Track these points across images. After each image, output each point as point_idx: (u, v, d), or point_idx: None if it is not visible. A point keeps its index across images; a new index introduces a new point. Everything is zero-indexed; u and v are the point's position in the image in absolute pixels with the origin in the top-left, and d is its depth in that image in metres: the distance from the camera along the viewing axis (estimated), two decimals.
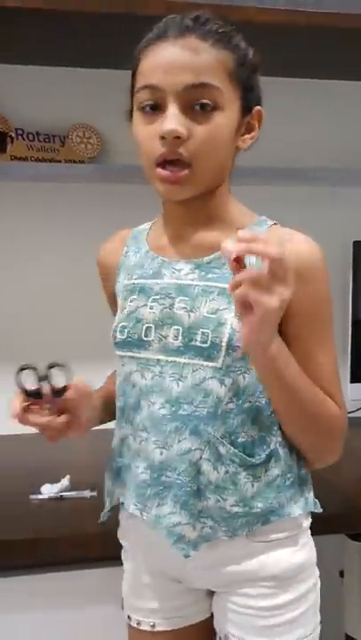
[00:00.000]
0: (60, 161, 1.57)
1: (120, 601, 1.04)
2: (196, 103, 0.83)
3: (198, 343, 0.87)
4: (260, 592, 0.91)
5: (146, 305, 0.92)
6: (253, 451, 0.89)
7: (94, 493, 1.26)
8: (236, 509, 0.88)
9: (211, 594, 0.99)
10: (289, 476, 0.91)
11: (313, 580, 0.95)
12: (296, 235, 0.91)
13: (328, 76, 1.69)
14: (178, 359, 0.89)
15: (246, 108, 0.89)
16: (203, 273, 0.91)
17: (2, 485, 1.33)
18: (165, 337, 0.90)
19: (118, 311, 0.96)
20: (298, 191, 1.73)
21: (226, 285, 0.86)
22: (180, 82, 0.82)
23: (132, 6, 1.20)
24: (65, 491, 1.27)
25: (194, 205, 0.91)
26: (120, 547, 1.03)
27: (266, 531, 0.90)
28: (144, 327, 0.91)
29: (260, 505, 0.89)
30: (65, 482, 1.29)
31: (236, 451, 0.88)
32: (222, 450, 0.87)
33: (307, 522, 0.96)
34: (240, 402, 0.88)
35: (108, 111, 1.63)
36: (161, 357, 0.90)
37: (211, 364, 0.87)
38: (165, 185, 0.86)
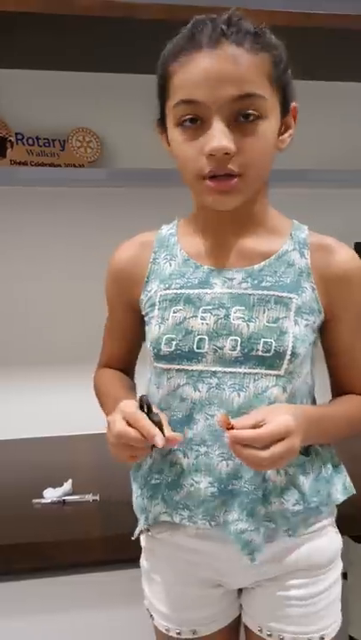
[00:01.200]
0: (60, 165, 1.57)
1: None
2: (241, 114, 0.80)
3: (260, 353, 0.86)
4: (300, 582, 0.94)
5: (196, 316, 0.89)
6: (302, 448, 0.89)
7: (96, 497, 1.25)
8: (297, 508, 0.90)
9: (240, 591, 1.00)
10: (329, 465, 0.96)
11: (340, 566, 0.98)
12: (336, 244, 0.93)
13: (325, 78, 1.69)
14: (237, 370, 0.88)
15: (285, 108, 0.87)
16: (256, 281, 0.90)
17: (5, 489, 1.33)
18: (221, 348, 0.88)
19: (155, 322, 0.92)
20: (299, 193, 1.73)
21: (283, 294, 0.89)
22: (223, 95, 0.79)
23: (132, 10, 1.20)
24: (67, 495, 1.27)
25: (237, 212, 0.89)
26: (122, 550, 1.02)
27: (306, 525, 0.94)
28: (196, 339, 0.88)
29: (315, 499, 0.92)
30: (67, 486, 1.28)
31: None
32: None
33: (335, 508, 1.00)
34: (296, 404, 0.91)
35: (108, 115, 1.64)
36: (218, 369, 0.88)
37: (273, 372, 0.87)
38: (215, 196, 0.84)
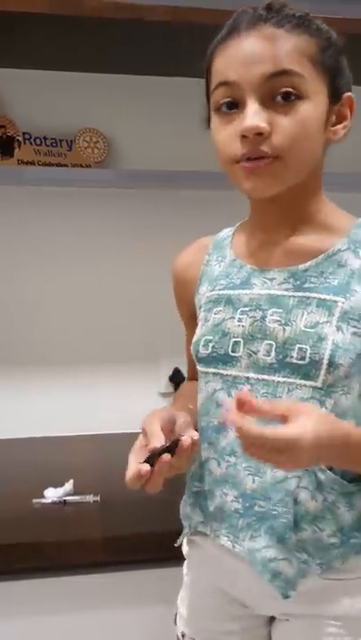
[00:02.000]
0: (67, 165, 1.57)
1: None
2: (278, 93, 0.75)
3: (295, 360, 0.79)
4: (330, 630, 0.84)
5: (233, 317, 0.84)
6: (350, 476, 0.81)
7: (97, 498, 1.25)
8: (333, 540, 0.81)
9: (271, 619, 0.93)
10: None
11: None
12: None
13: None
14: (271, 377, 0.81)
15: (335, 96, 0.80)
16: (298, 282, 0.82)
17: (5, 489, 1.33)
18: (256, 352, 0.82)
19: (200, 324, 0.89)
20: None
21: (326, 296, 0.80)
22: (257, 73, 0.74)
23: (139, 12, 1.20)
24: (68, 495, 1.27)
25: (286, 204, 0.83)
26: (122, 552, 1.02)
27: (344, 568, 0.83)
28: (231, 342, 0.83)
29: (357, 534, 0.82)
30: (68, 486, 1.28)
31: (336, 477, 0.80)
32: (322, 477, 0.80)
33: None
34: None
35: (115, 115, 1.64)
36: (251, 375, 0.82)
37: (309, 383, 0.78)
38: (250, 179, 0.78)
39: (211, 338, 0.85)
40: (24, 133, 1.54)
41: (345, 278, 0.80)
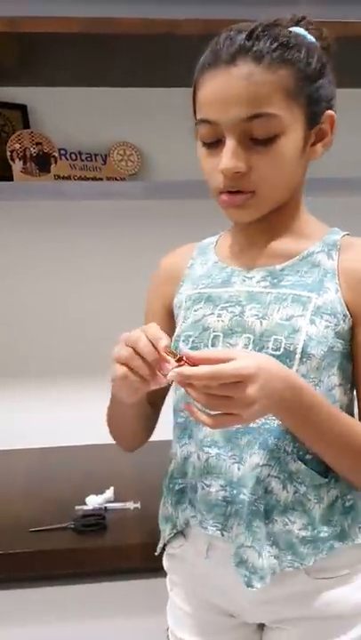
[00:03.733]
0: (101, 179, 1.61)
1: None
2: (254, 136, 0.80)
3: (271, 351, 0.82)
4: (323, 632, 0.87)
5: (213, 313, 0.88)
6: (319, 468, 0.84)
7: (137, 505, 1.27)
8: (303, 534, 0.83)
9: (261, 627, 0.95)
10: (349, 497, 0.87)
11: None
12: None
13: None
14: None
15: (313, 119, 0.84)
16: (276, 280, 0.88)
17: (48, 496, 1.36)
18: (234, 346, 0.85)
19: (179, 322, 0.93)
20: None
21: (301, 292, 0.85)
22: (234, 116, 0.79)
23: (172, 27, 1.22)
24: (109, 502, 1.29)
25: (266, 219, 0.88)
26: (161, 558, 1.03)
27: (328, 566, 0.85)
28: (211, 336, 0.87)
29: (325, 529, 0.85)
30: (109, 493, 1.31)
31: (308, 469, 0.83)
32: (293, 467, 0.83)
33: None
34: None
35: (148, 129, 1.67)
36: None
37: None
38: (230, 209, 0.85)
39: (191, 333, 0.89)
40: (60, 149, 1.58)
41: (319, 277, 0.86)
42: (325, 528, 0.84)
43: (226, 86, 0.79)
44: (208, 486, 0.86)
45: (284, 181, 0.85)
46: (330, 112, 0.86)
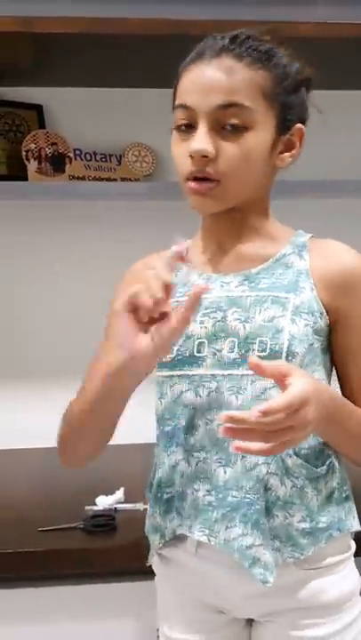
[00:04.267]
0: (116, 179, 1.61)
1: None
2: (226, 123, 0.83)
3: (257, 353, 0.84)
4: (310, 621, 0.88)
5: (195, 321, 0.88)
6: (316, 462, 0.87)
7: (147, 506, 1.26)
8: (303, 525, 0.86)
9: (250, 622, 0.96)
10: (345, 488, 0.92)
11: (358, 607, 0.92)
12: (337, 245, 0.92)
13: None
14: (235, 372, 0.86)
15: (284, 127, 0.88)
16: (253, 284, 0.90)
17: (58, 496, 1.36)
18: (220, 350, 0.87)
19: None
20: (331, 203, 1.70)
21: (279, 294, 0.87)
22: (210, 102, 0.82)
23: (182, 27, 1.22)
24: (119, 503, 1.29)
25: (232, 218, 0.91)
26: None
27: (317, 556, 0.88)
28: (196, 343, 0.88)
29: (324, 519, 0.88)
30: (119, 494, 1.30)
31: (302, 462, 0.86)
32: (289, 462, 0.86)
33: (353, 545, 0.94)
34: None
35: (162, 130, 1.64)
36: (216, 372, 0.87)
37: None
38: (194, 197, 0.87)
39: (174, 342, 0.86)
40: (75, 150, 1.59)
41: (293, 277, 0.89)
42: (324, 519, 0.87)
43: (206, 75, 0.83)
44: (197, 491, 0.87)
45: (249, 177, 0.87)
46: (300, 125, 0.90)
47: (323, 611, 0.88)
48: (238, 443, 0.69)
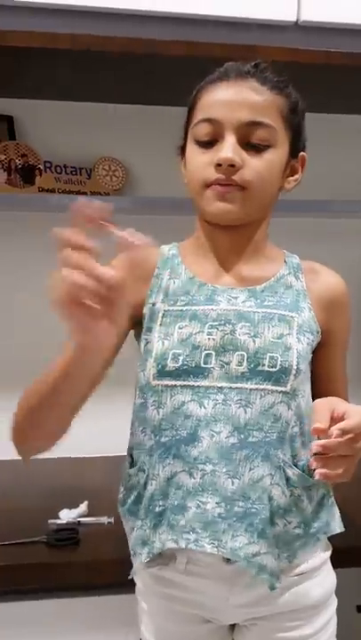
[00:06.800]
0: (86, 193, 1.62)
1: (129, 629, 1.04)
2: (252, 139, 0.87)
3: (267, 368, 0.87)
4: (293, 623, 0.93)
5: (202, 331, 0.89)
6: (309, 471, 0.90)
7: (111, 520, 1.26)
8: (298, 531, 0.91)
9: (232, 626, 0.99)
10: (331, 494, 0.98)
11: (334, 603, 0.98)
12: (323, 268, 0.99)
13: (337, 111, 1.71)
14: (244, 385, 0.88)
15: (293, 152, 0.93)
16: (259, 300, 0.93)
17: (21, 509, 1.35)
18: (228, 363, 0.88)
19: (159, 337, 0.90)
20: (321, 222, 1.75)
21: (284, 312, 0.92)
22: (238, 117, 0.86)
23: (154, 47, 1.24)
24: (83, 516, 1.28)
25: (239, 235, 0.94)
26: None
27: (302, 561, 0.93)
28: (203, 354, 0.88)
29: (316, 525, 0.93)
30: (83, 507, 1.30)
31: (301, 473, 0.90)
32: (290, 473, 0.89)
33: (330, 544, 1.00)
34: (302, 424, 0.91)
35: (133, 145, 1.68)
36: (223, 384, 0.88)
37: (279, 388, 0.88)
38: (218, 203, 0.88)
39: (180, 351, 0.88)
40: (45, 162, 1.59)
41: (294, 297, 0.94)
42: (315, 524, 0.93)
43: (235, 91, 0.87)
44: (204, 504, 0.87)
45: (269, 190, 0.91)
46: (304, 153, 0.96)
47: (305, 612, 0.93)
48: (324, 470, 0.77)
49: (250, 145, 0.87)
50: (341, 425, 0.75)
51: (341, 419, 0.78)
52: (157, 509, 0.91)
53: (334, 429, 0.75)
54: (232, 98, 0.87)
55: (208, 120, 0.88)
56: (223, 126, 0.87)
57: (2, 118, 1.61)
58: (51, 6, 1.24)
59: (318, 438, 0.78)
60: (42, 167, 1.57)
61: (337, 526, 0.98)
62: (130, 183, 1.67)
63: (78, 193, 1.61)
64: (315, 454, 0.77)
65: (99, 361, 0.76)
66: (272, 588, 0.87)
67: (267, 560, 0.87)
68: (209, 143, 0.88)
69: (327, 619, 0.95)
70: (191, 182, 0.91)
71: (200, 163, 0.89)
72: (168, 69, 1.31)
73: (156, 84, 1.44)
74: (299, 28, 1.28)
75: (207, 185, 0.88)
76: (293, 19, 1.28)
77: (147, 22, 1.25)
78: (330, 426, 0.77)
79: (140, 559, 0.93)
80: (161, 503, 0.91)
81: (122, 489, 0.99)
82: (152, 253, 0.99)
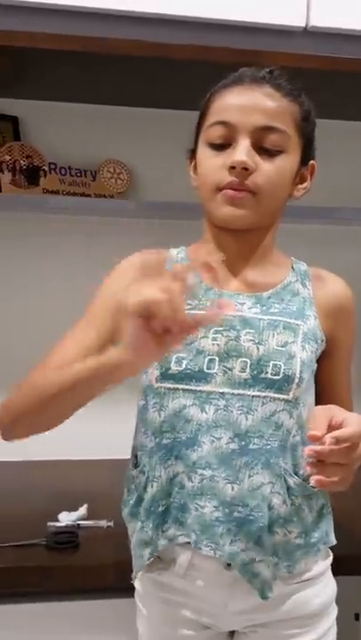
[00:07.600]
0: (90, 195, 1.61)
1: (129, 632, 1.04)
2: (265, 143, 0.87)
3: (270, 375, 0.87)
4: (293, 631, 0.92)
5: (207, 337, 0.89)
6: (308, 481, 0.88)
7: (110, 524, 1.26)
8: (298, 541, 0.90)
9: (232, 633, 0.98)
10: (329, 504, 0.97)
11: (335, 612, 0.97)
12: (331, 275, 0.98)
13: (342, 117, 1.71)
14: (246, 392, 0.87)
15: (304, 160, 0.94)
16: (265, 307, 0.92)
17: (20, 511, 1.34)
18: (231, 369, 0.88)
19: None
20: (327, 229, 1.74)
21: (290, 320, 0.91)
22: (253, 121, 0.87)
23: (160, 50, 1.25)
24: (82, 519, 1.28)
25: (246, 240, 0.93)
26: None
27: (304, 570, 0.92)
28: (206, 359, 0.88)
29: (316, 535, 0.93)
30: (82, 510, 1.29)
31: (302, 482, 0.89)
32: (291, 482, 0.89)
33: (331, 553, 0.99)
34: (303, 433, 0.90)
35: (139, 148, 1.68)
36: (226, 390, 0.88)
37: (282, 396, 0.88)
38: (229, 207, 0.88)
39: (183, 355, 0.89)
40: (50, 163, 1.59)
41: (300, 305, 0.94)
42: (316, 534, 0.92)
43: (250, 96, 0.88)
44: (202, 507, 0.87)
45: (279, 195, 0.91)
46: (313, 162, 0.96)
47: (305, 620, 0.92)
48: (319, 477, 0.76)
49: (262, 149, 0.88)
50: (336, 433, 0.74)
51: (340, 427, 0.77)
52: (160, 509, 0.91)
53: (328, 437, 0.74)
54: (247, 102, 0.87)
55: (222, 123, 0.88)
56: (237, 130, 0.87)
57: (7, 119, 1.61)
58: (58, 7, 1.24)
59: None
60: (46, 168, 1.57)
61: (333, 537, 0.98)
62: (134, 186, 1.67)
63: (83, 195, 1.61)
64: (310, 460, 0.77)
65: (119, 380, 0.79)
66: (263, 597, 0.87)
67: (260, 568, 0.87)
68: (222, 146, 0.88)
69: (327, 627, 0.95)
70: (202, 185, 0.91)
71: (212, 165, 0.89)
72: (175, 73, 1.31)
73: (162, 87, 1.44)
74: (307, 33, 1.28)
75: (219, 188, 0.88)
76: (303, 24, 1.28)
77: (154, 25, 1.25)
78: (327, 433, 0.76)
79: (140, 561, 0.93)
80: (163, 503, 0.91)
81: (125, 490, 0.99)
82: (161, 260, 1.00)
